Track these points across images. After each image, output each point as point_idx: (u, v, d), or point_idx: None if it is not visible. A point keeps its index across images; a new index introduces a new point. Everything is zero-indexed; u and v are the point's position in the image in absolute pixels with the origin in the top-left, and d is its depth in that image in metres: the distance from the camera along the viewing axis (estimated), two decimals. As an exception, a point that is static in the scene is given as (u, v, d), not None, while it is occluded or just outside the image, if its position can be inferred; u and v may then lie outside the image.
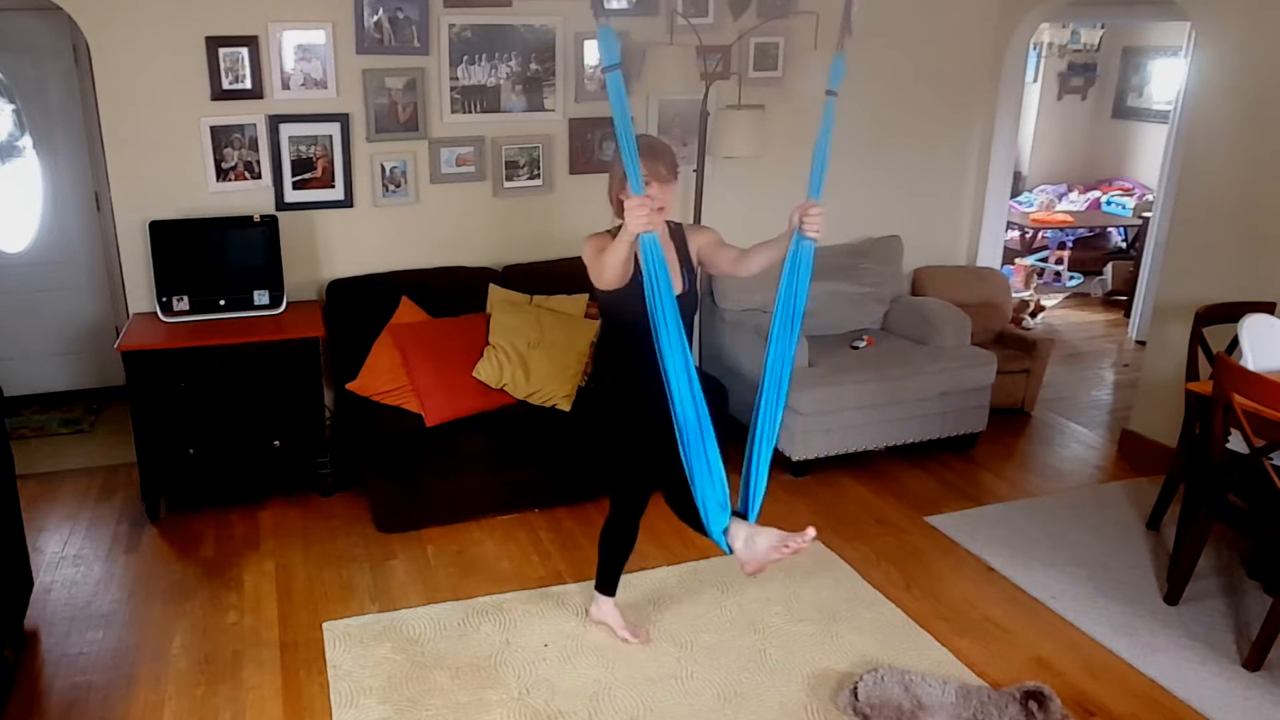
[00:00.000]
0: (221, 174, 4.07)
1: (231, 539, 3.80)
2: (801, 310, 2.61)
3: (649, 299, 2.47)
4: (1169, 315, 4.35)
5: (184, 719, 2.79)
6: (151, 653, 3.09)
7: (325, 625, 3.22)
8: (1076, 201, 8.58)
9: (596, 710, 2.84)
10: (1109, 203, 8.39)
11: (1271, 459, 3.04)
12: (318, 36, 4.02)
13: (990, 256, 5.53)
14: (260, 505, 4.05)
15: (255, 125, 4.05)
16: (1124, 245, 8.24)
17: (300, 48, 4.01)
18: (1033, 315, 6.81)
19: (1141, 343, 5.99)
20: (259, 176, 4.12)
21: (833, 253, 4.82)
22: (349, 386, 3.98)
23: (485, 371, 3.90)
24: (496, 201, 4.50)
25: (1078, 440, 4.89)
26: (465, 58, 4.24)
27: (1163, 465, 4.08)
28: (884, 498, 4.22)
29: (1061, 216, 7.98)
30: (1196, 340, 3.71)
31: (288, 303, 4.10)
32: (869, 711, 2.78)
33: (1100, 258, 8.05)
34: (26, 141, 4.83)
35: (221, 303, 3.99)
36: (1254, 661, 3.03)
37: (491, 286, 4.24)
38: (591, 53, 4.43)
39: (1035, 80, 8.61)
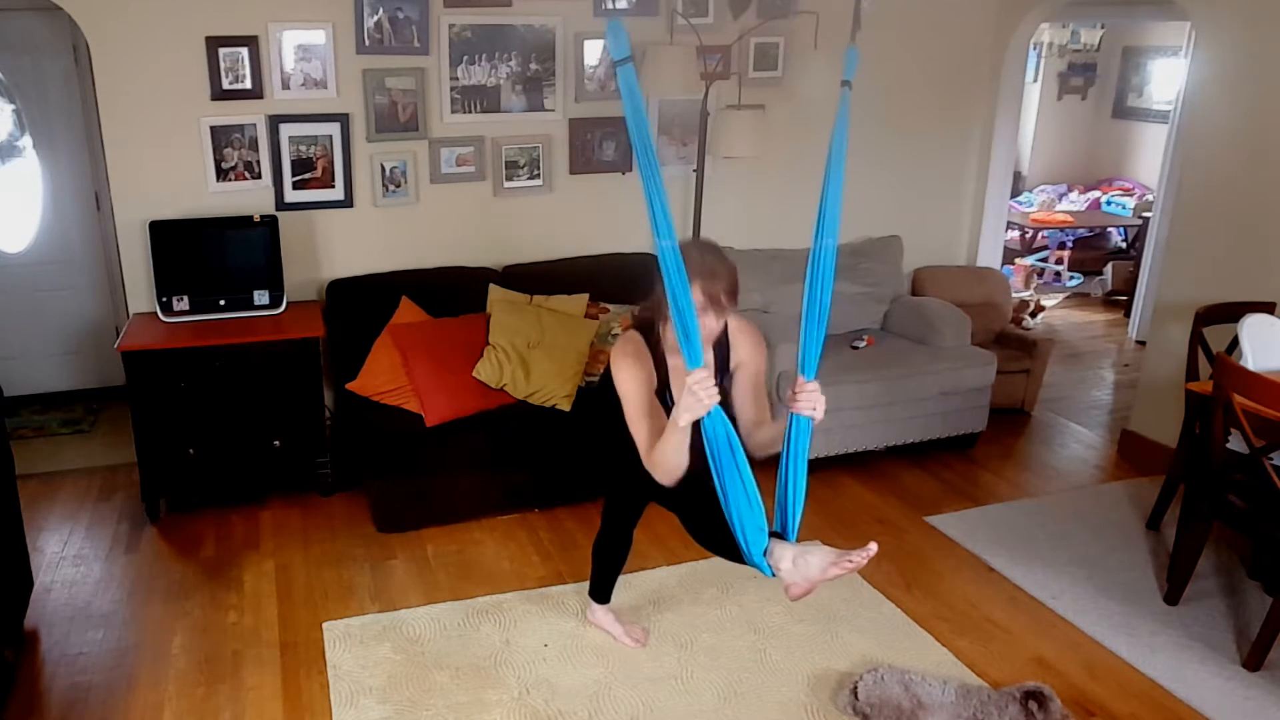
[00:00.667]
0: (221, 174, 4.07)
1: (231, 539, 3.80)
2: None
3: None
4: (1169, 315, 4.35)
5: (184, 719, 2.79)
6: (151, 653, 3.09)
7: (325, 625, 3.22)
8: (1076, 201, 8.58)
9: (596, 710, 2.84)
10: (1109, 203, 8.39)
11: (1271, 459, 3.04)
12: (318, 36, 4.02)
13: (990, 256, 5.53)
14: (260, 505, 4.05)
15: (255, 125, 4.05)
16: (1124, 245, 8.24)
17: (300, 48, 4.01)
18: (1033, 315, 6.81)
19: (1141, 343, 5.99)
20: (259, 176, 4.12)
21: (833, 253, 4.82)
22: (349, 386, 3.98)
23: (485, 371, 3.90)
24: (496, 201, 4.50)
25: (1078, 440, 4.89)
26: (465, 58, 4.24)
27: (1163, 465, 4.08)
28: (884, 498, 4.22)
29: (1061, 216, 7.98)
30: (1196, 340, 3.71)
31: (288, 303, 4.10)
32: (869, 711, 2.78)
33: (1100, 258, 8.05)
34: (26, 141, 4.83)
35: (221, 303, 3.99)
36: (1254, 661, 3.03)
37: (491, 286, 4.24)
38: (591, 53, 4.43)
39: (1035, 80, 8.61)
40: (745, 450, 2.26)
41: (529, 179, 4.51)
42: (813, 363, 2.29)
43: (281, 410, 3.91)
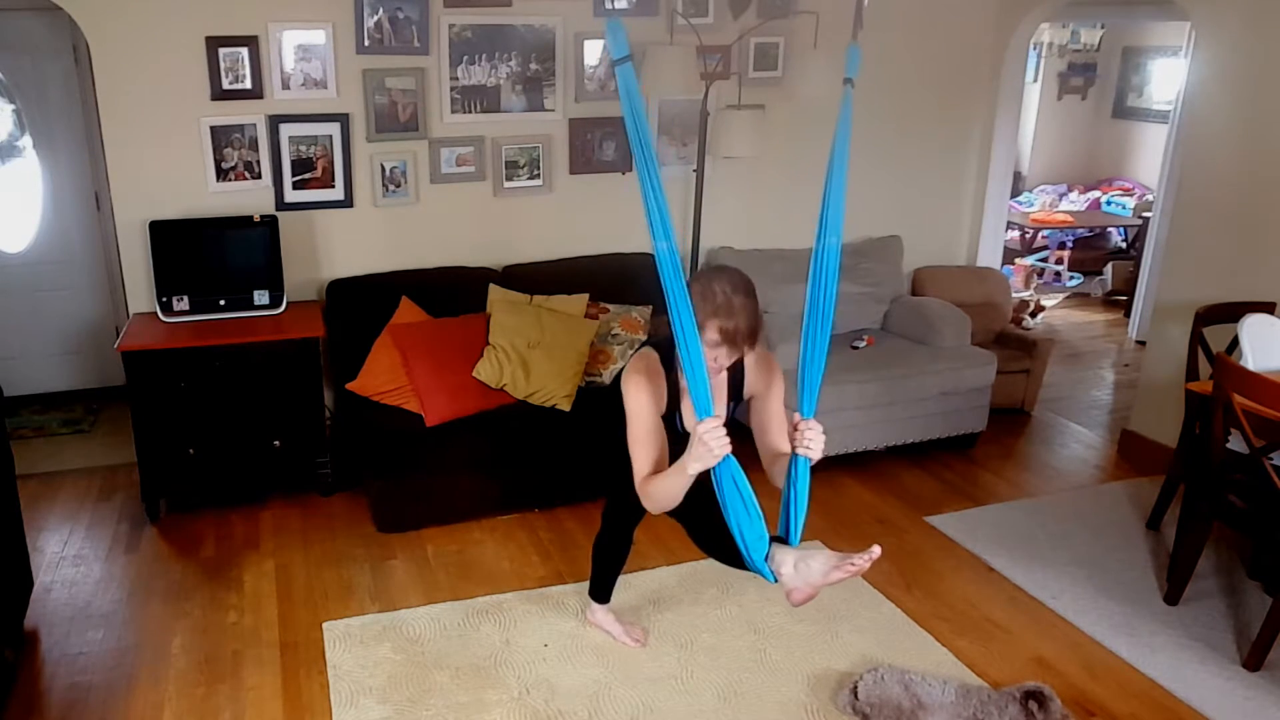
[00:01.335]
0: (221, 174, 4.07)
1: (231, 539, 3.80)
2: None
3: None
4: (1169, 315, 4.35)
5: (184, 719, 2.79)
6: (151, 653, 3.09)
7: (325, 625, 3.22)
8: (1076, 201, 8.58)
9: (596, 710, 2.84)
10: (1109, 203, 8.39)
11: (1271, 459, 3.04)
12: (318, 36, 4.02)
13: (990, 256, 5.53)
14: (260, 505, 4.05)
15: (255, 125, 4.05)
16: (1124, 245, 8.24)
17: (300, 48, 4.01)
18: (1033, 315, 6.81)
19: (1141, 343, 5.99)
20: (259, 176, 4.12)
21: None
22: (349, 386, 3.98)
23: (485, 371, 3.90)
24: (496, 201, 4.50)
25: (1078, 440, 4.89)
26: (465, 58, 4.24)
27: (1163, 465, 4.08)
28: (884, 498, 4.22)
29: (1061, 216, 7.98)
30: (1196, 340, 3.71)
31: (288, 303, 4.10)
32: (869, 711, 2.78)
33: (1100, 258, 8.05)
34: (26, 141, 4.83)
35: (221, 303, 3.99)
36: (1254, 661, 3.03)
37: (491, 286, 4.24)
38: (591, 53, 4.43)
39: (1035, 80, 8.61)
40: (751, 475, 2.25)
41: (529, 179, 4.51)
42: (812, 398, 2.27)
43: (281, 410, 3.91)
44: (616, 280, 4.44)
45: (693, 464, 2.21)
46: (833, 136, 2.32)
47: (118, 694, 2.89)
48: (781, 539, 2.34)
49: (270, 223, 4.02)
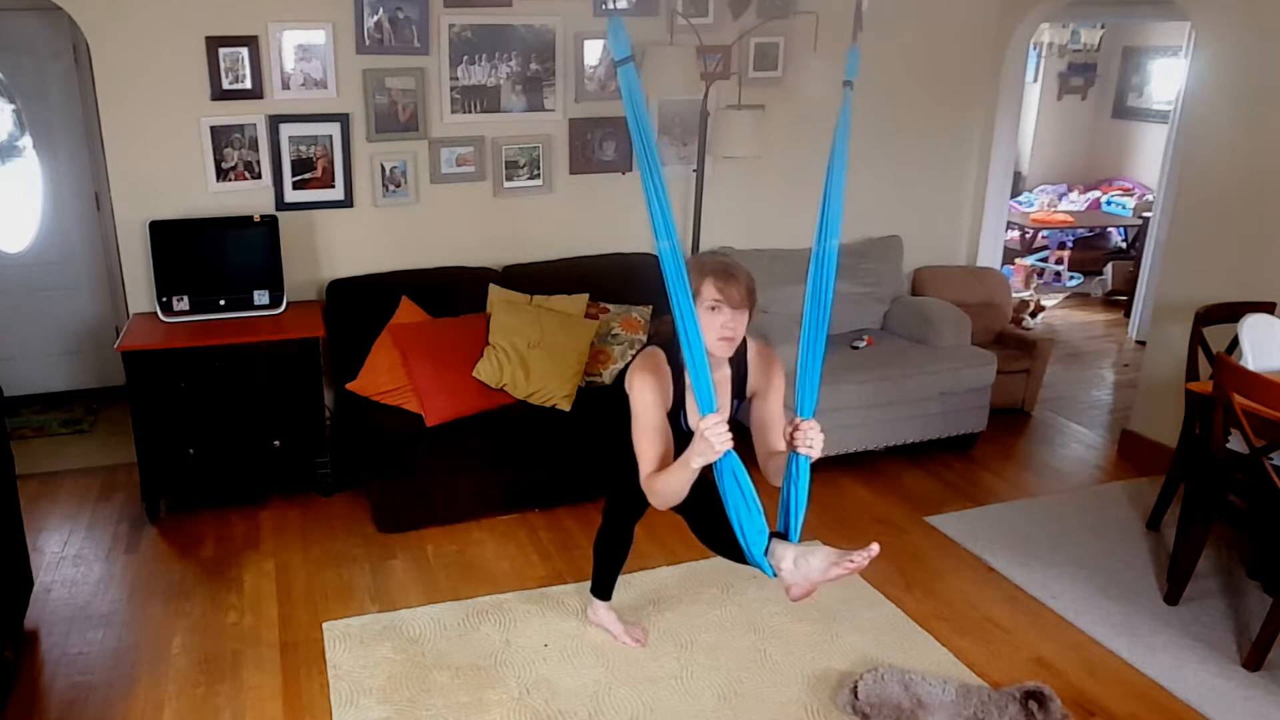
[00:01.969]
0: (221, 174, 4.07)
1: (231, 539, 3.80)
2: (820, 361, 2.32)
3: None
4: (1169, 315, 4.35)
5: (184, 719, 2.79)
6: (151, 653, 3.09)
7: (325, 625, 3.22)
8: (1076, 201, 8.58)
9: (596, 710, 2.84)
10: (1109, 203, 8.39)
11: (1271, 459, 3.04)
12: (318, 36, 4.02)
13: (990, 256, 5.53)
14: (260, 505, 4.05)
15: (255, 125, 4.05)
16: (1124, 245, 8.24)
17: (300, 48, 4.01)
18: (1033, 315, 6.81)
19: (1141, 343, 5.99)
20: (259, 176, 4.12)
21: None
22: (349, 386, 3.98)
23: (485, 371, 3.90)
24: (496, 201, 4.50)
25: (1078, 440, 4.89)
26: (465, 58, 4.24)
27: (1163, 465, 4.08)
28: (884, 498, 4.22)
29: (1061, 216, 7.98)
30: (1196, 340, 3.71)
31: (288, 303, 4.10)
32: (868, 710, 2.78)
33: (1100, 258, 8.05)
34: (26, 141, 4.83)
35: (221, 303, 3.99)
36: (1254, 661, 3.03)
37: (491, 286, 4.24)
38: (591, 53, 4.43)
39: (1035, 80, 8.61)
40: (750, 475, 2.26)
41: (529, 179, 4.51)
42: (811, 399, 2.29)
43: (281, 410, 3.91)
44: (616, 280, 4.44)
45: (695, 459, 2.24)
46: (832, 138, 2.33)
47: (118, 694, 2.89)
48: (781, 535, 2.35)
49: (270, 223, 4.02)
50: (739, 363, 2.56)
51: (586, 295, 4.29)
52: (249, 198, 4.12)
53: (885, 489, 4.29)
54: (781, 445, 2.48)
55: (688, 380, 2.32)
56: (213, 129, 4.00)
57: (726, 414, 2.50)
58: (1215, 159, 4.11)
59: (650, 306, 4.35)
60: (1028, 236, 8.09)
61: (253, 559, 3.65)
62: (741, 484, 2.24)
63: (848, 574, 2.24)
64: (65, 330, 5.10)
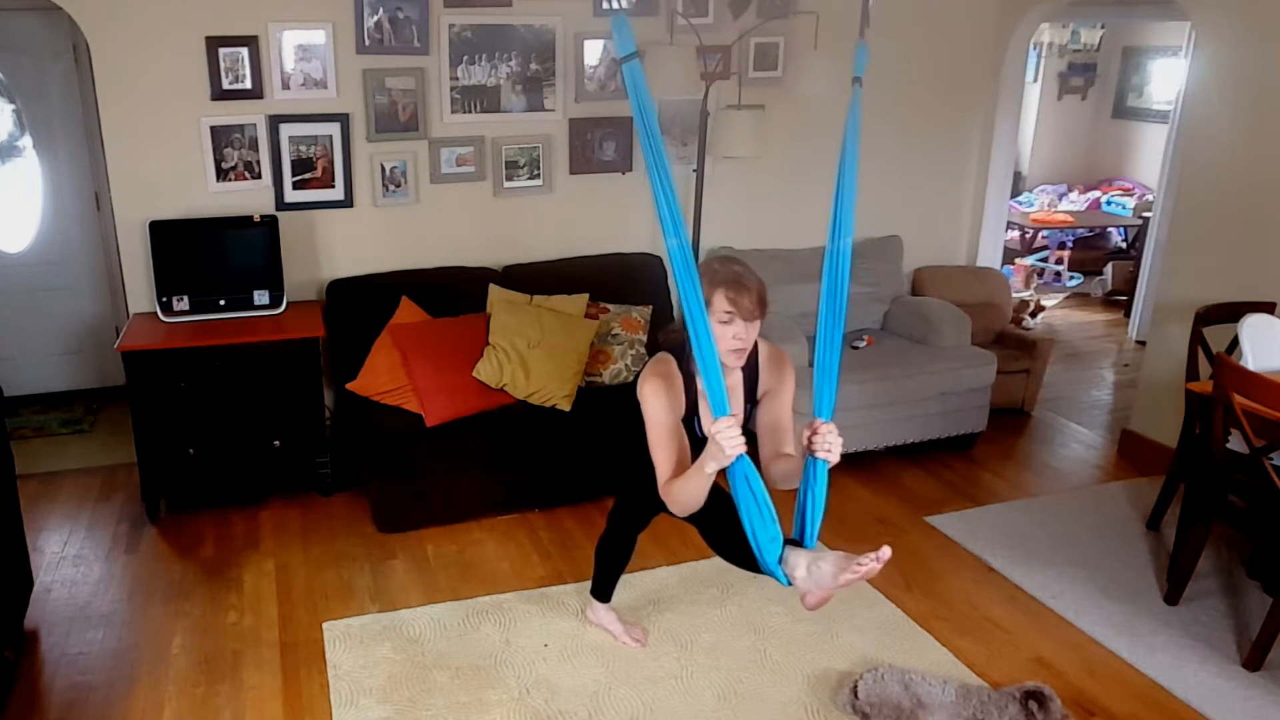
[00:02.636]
0: (221, 174, 4.07)
1: (231, 539, 3.80)
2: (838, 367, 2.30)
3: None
4: (1169, 315, 4.35)
5: (184, 719, 2.79)
6: (151, 653, 3.09)
7: (325, 625, 3.22)
8: (1076, 201, 8.58)
9: (596, 710, 2.84)
10: (1109, 203, 8.39)
11: (1271, 459, 3.04)
12: (318, 36, 4.02)
13: (990, 256, 5.53)
14: (260, 505, 4.05)
15: (255, 125, 4.05)
16: (1124, 245, 8.24)
17: (300, 48, 4.01)
18: (1033, 315, 6.81)
19: (1141, 343, 5.99)
20: (259, 176, 4.12)
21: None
22: (349, 386, 3.98)
23: (485, 371, 3.90)
24: (496, 201, 4.50)
25: (1078, 440, 4.89)
26: (465, 58, 4.24)
27: (1163, 465, 4.08)
28: (884, 498, 4.22)
29: (1061, 216, 7.98)
30: (1196, 340, 3.71)
31: (288, 303, 4.10)
32: (869, 710, 2.78)
33: (1100, 258, 8.05)
34: (26, 141, 4.83)
35: (221, 303, 3.99)
36: (1254, 661, 3.03)
37: (491, 286, 4.24)
38: (591, 53, 4.43)
39: (1035, 80, 8.61)
40: (763, 479, 2.23)
41: (529, 179, 4.51)
42: (829, 399, 2.26)
43: (281, 410, 3.91)
44: (616, 280, 4.44)
45: (709, 463, 2.20)
46: (842, 136, 2.32)
47: (118, 694, 2.89)
48: (796, 541, 2.31)
49: (270, 223, 4.02)
50: (750, 365, 2.53)
51: (586, 295, 4.29)
52: (249, 198, 4.12)
53: (885, 489, 4.29)
54: (788, 448, 2.48)
55: (700, 385, 2.30)
56: (213, 129, 4.00)
57: (740, 418, 2.48)
58: (1215, 159, 4.11)
59: (650, 306, 4.35)
60: (1028, 236, 8.09)
61: (253, 559, 3.65)
62: (755, 490, 2.20)
63: (859, 579, 2.19)
64: (65, 330, 5.10)
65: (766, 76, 4.72)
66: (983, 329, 5.02)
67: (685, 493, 2.33)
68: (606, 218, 4.66)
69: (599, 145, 4.56)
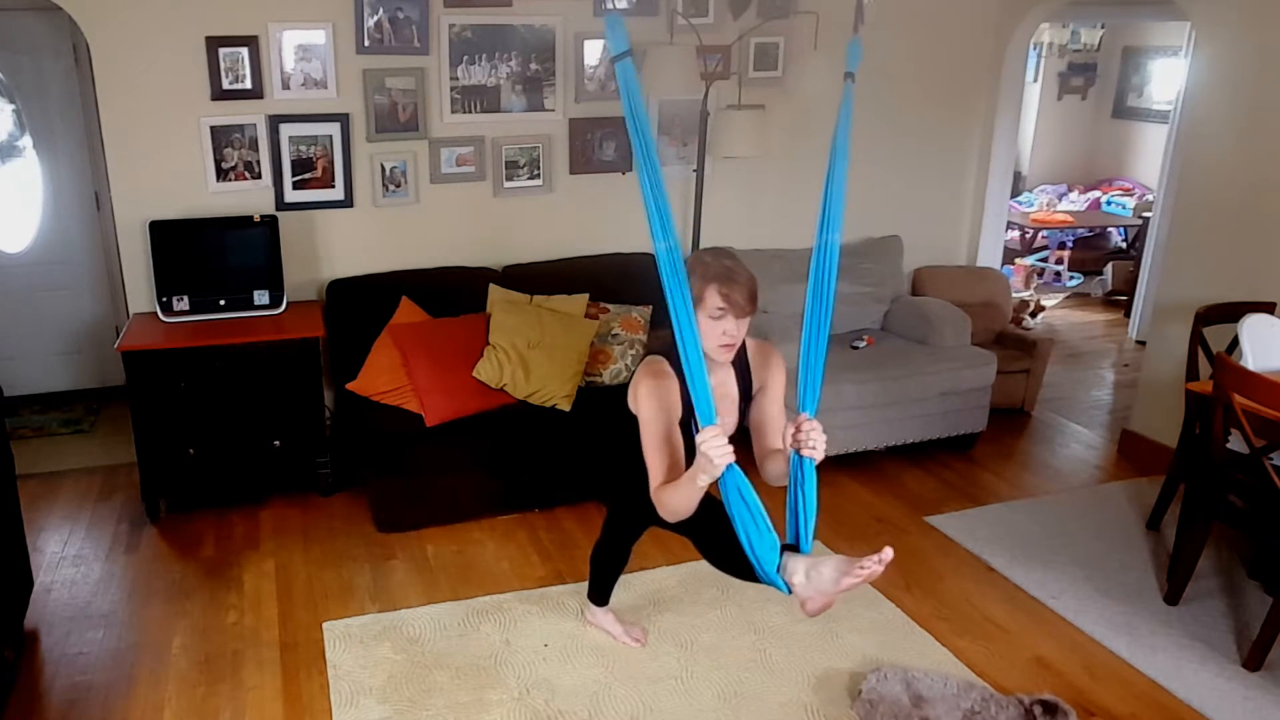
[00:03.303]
0: (221, 174, 4.07)
1: (231, 539, 3.80)
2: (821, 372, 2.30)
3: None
4: (1169, 315, 4.35)
5: (184, 719, 2.79)
6: (151, 653, 3.09)
7: (325, 625, 3.22)
8: (1076, 201, 8.58)
9: (596, 710, 2.84)
10: (1109, 203, 8.39)
11: (1271, 459, 3.04)
12: (318, 36, 4.02)
13: (990, 256, 5.53)
14: (260, 505, 4.05)
15: (255, 125, 4.05)
16: (1124, 245, 8.24)
17: (300, 48, 4.01)
18: (1033, 315, 6.81)
19: (1141, 343, 5.99)
20: (259, 176, 4.12)
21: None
22: (349, 386, 3.98)
23: (485, 371, 3.90)
24: (496, 201, 4.50)
25: (1078, 440, 4.89)
26: (465, 58, 4.24)
27: (1163, 465, 4.08)
28: (884, 498, 4.22)
29: (1061, 216, 7.98)
30: (1196, 340, 3.71)
31: (288, 303, 4.10)
32: (869, 708, 2.78)
33: (1100, 258, 8.05)
34: (26, 141, 4.83)
35: (221, 303, 3.99)
36: (1254, 661, 3.03)
37: (491, 286, 4.24)
38: (591, 53, 4.43)
39: (1035, 80, 8.61)
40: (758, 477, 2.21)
41: (529, 179, 4.51)
42: (814, 394, 2.24)
43: (281, 410, 3.91)
44: (616, 280, 4.44)
45: (700, 476, 2.17)
46: (834, 131, 2.32)
47: (118, 694, 2.89)
48: (793, 547, 2.29)
49: (270, 223, 4.02)
50: (740, 363, 2.52)
51: (586, 295, 4.29)
52: (249, 198, 4.12)
53: (885, 489, 4.29)
54: (778, 443, 2.46)
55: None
56: (213, 129, 4.00)
57: (732, 426, 2.47)
58: (1215, 159, 4.11)
59: (650, 306, 4.35)
60: (1028, 236, 8.09)
61: (253, 559, 3.65)
62: (748, 501, 2.17)
63: (861, 582, 2.16)
64: (65, 330, 5.10)
65: (766, 76, 4.72)
66: (983, 329, 5.02)
67: (674, 501, 2.31)
68: (606, 218, 4.67)
69: (599, 145, 4.56)
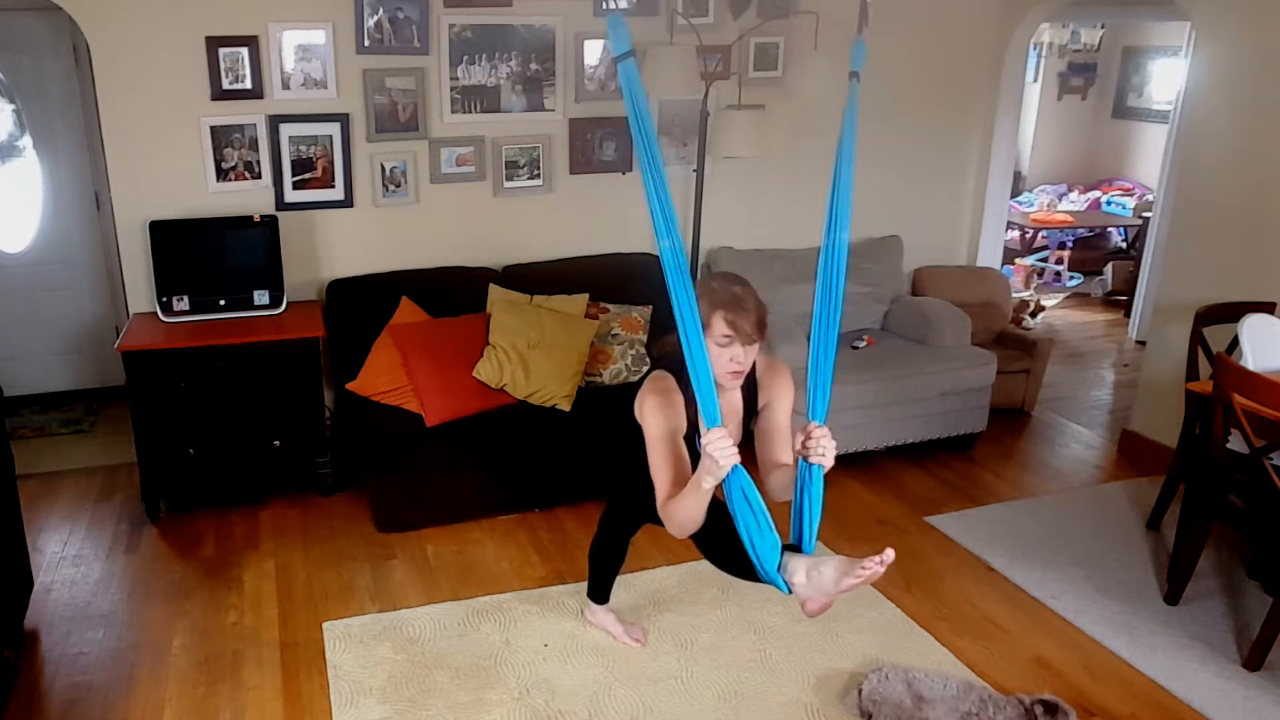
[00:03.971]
0: (221, 174, 4.07)
1: (231, 539, 3.80)
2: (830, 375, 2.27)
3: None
4: (1169, 315, 4.35)
5: (184, 719, 2.79)
6: (151, 653, 3.09)
7: (325, 625, 3.22)
8: (1077, 201, 8.58)
9: (596, 710, 2.84)
10: (1109, 203, 8.39)
11: (1271, 459, 3.04)
12: (318, 36, 4.02)
13: (990, 256, 5.53)
14: (260, 505, 4.05)
15: (255, 125, 4.05)
16: (1124, 245, 8.24)
17: (300, 48, 4.01)
18: (1033, 315, 6.81)
19: (1141, 343, 5.99)
20: (259, 176, 4.12)
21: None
22: (349, 386, 3.98)
23: (485, 371, 3.90)
24: (496, 201, 4.50)
25: (1078, 440, 4.89)
26: (465, 58, 4.24)
27: (1163, 465, 4.08)
28: (884, 498, 4.22)
29: (1061, 216, 7.98)
30: (1196, 340, 3.71)
31: (288, 303, 4.10)
32: (870, 709, 2.78)
33: (1100, 258, 8.05)
34: (26, 141, 4.83)
35: (221, 303, 3.99)
36: (1254, 661, 3.03)
37: (491, 286, 4.24)
38: (591, 53, 4.43)
39: (1035, 80, 8.61)
40: (761, 492, 2.20)
41: (529, 179, 4.51)
42: (823, 400, 2.22)
43: (281, 410, 3.91)
44: (616, 280, 4.44)
45: (705, 479, 2.16)
46: (839, 131, 2.30)
47: (118, 694, 2.89)
48: (794, 547, 2.28)
49: (270, 223, 4.02)
50: (749, 383, 2.50)
51: (586, 295, 4.29)
52: (249, 198, 4.12)
53: (885, 489, 4.29)
54: (786, 458, 2.45)
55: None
56: (213, 129, 4.00)
57: (737, 436, 2.44)
58: (1215, 159, 4.11)
59: (650, 306, 4.35)
60: (1028, 236, 8.09)
61: (253, 559, 3.65)
62: (751, 501, 2.16)
63: (862, 583, 2.14)
64: (65, 330, 5.10)
65: (766, 76, 4.72)
66: (983, 329, 5.02)
67: (683, 511, 2.29)
68: (606, 218, 4.66)
69: (599, 145, 4.56)
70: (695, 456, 2.43)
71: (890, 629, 3.25)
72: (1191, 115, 4.32)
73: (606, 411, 3.87)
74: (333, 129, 4.14)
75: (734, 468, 2.13)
